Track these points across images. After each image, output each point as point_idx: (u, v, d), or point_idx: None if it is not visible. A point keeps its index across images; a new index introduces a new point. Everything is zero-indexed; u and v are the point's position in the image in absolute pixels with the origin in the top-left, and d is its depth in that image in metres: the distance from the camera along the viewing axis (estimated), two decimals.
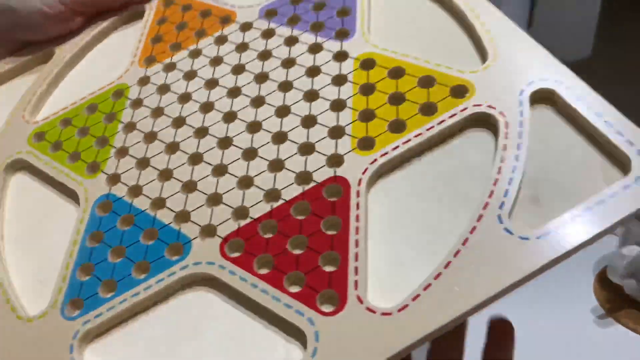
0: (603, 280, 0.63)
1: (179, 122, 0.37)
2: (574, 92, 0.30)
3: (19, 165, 0.39)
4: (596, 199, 0.27)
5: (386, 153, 0.31)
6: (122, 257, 0.32)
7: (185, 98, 0.38)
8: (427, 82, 0.33)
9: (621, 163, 0.28)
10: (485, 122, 0.31)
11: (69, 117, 0.40)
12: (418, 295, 0.26)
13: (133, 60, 0.41)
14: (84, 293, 0.31)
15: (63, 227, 0.35)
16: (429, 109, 0.32)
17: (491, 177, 0.29)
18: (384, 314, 0.26)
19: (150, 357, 0.29)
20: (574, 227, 0.27)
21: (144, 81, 0.40)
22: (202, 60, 0.39)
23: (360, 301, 0.27)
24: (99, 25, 0.45)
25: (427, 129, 0.31)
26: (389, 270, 0.28)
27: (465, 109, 0.32)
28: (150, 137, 0.37)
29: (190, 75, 0.39)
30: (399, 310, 0.26)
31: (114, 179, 0.35)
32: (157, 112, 0.38)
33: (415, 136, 0.31)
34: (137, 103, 0.39)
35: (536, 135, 0.30)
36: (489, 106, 0.31)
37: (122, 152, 0.36)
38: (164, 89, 0.39)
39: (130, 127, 0.38)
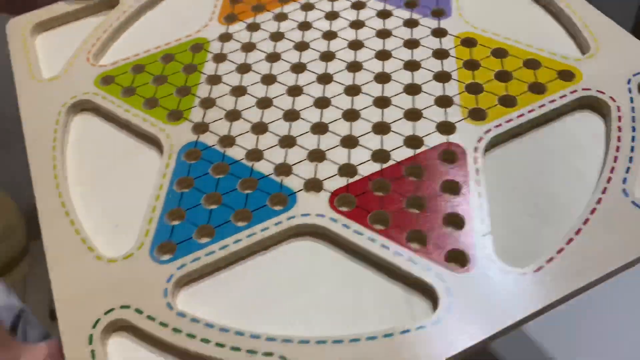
0: None
1: (269, 79, 0.35)
2: None
3: (84, 106, 0.36)
4: None
5: (500, 125, 0.31)
6: (218, 203, 0.30)
7: (273, 57, 0.37)
8: (533, 64, 0.34)
9: None
10: (594, 106, 0.32)
11: (142, 64, 0.37)
12: (552, 259, 0.26)
13: (212, 17, 0.40)
14: (176, 237, 0.29)
15: (137, 171, 0.32)
16: (538, 88, 0.32)
17: (609, 155, 0.29)
18: (520, 274, 0.26)
19: (255, 307, 0.27)
20: None
21: (225, 37, 0.38)
22: (289, 24, 0.38)
23: (492, 261, 0.26)
24: None
25: (539, 106, 0.32)
26: (512, 237, 0.27)
27: (574, 91, 0.32)
28: (239, 91, 0.35)
29: (277, 36, 0.38)
30: (535, 271, 0.25)
31: (201, 127, 0.33)
32: (244, 68, 0.36)
33: (529, 112, 0.31)
34: (220, 57, 0.37)
35: None
36: (598, 91, 0.32)
37: (208, 102, 0.35)
38: (249, 47, 0.37)
39: (214, 79, 0.36)
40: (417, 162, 0.30)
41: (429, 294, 0.26)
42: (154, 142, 0.33)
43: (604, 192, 0.28)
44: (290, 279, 0.27)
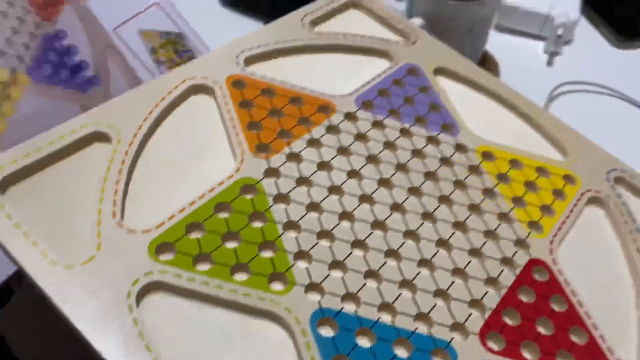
0: None
1: (348, 218, 0.34)
2: None
3: (152, 288, 0.29)
4: None
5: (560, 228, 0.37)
6: None
7: (339, 192, 0.35)
8: (543, 172, 0.40)
9: None
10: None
11: (197, 221, 0.31)
12: None
13: (241, 150, 0.35)
14: None
15: (267, 356, 0.28)
16: (560, 195, 0.39)
17: None
18: None
19: None
20: None
21: (273, 173, 0.35)
22: (328, 151, 0.37)
23: None
24: (157, 105, 0.36)
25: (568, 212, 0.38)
26: None
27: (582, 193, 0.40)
28: (328, 236, 0.33)
29: (325, 166, 0.36)
30: None
31: (316, 289, 0.30)
32: (315, 208, 0.34)
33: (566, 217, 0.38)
34: (283, 199, 0.34)
35: None
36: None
37: (304, 256, 0.32)
38: (305, 182, 0.35)
39: (293, 227, 0.33)
40: (523, 285, 0.34)
41: None
42: (270, 318, 0.29)
43: None
44: None
